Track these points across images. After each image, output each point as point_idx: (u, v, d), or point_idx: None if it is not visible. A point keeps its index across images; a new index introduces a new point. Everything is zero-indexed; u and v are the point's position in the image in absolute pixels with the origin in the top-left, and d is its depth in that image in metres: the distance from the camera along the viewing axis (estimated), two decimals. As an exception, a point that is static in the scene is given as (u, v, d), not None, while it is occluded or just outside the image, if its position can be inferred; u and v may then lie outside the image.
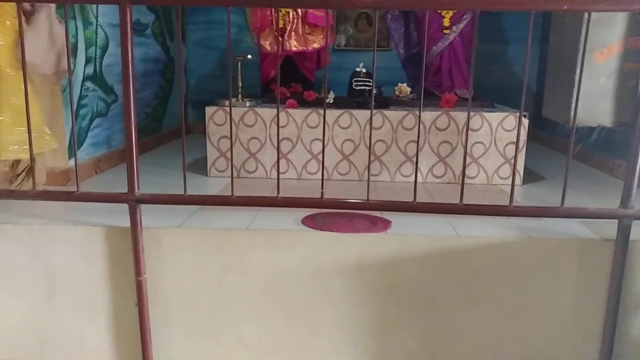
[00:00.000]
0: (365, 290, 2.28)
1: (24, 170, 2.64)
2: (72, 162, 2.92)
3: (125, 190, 2.14)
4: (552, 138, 4.35)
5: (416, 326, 2.31)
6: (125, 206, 2.14)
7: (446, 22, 3.65)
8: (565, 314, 2.27)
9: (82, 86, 3.14)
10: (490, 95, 3.92)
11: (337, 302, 2.29)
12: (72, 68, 2.93)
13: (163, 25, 4.42)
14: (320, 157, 3.22)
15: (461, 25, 3.67)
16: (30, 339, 2.39)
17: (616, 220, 2.10)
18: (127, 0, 1.96)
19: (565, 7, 1.96)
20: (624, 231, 2.09)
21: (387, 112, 3.30)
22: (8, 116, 2.44)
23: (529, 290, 2.26)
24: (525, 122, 3.18)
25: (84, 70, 3.16)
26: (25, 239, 2.30)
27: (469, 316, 2.29)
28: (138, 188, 2.14)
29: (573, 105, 2.02)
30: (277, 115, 2.17)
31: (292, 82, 3.84)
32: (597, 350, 2.24)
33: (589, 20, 1.93)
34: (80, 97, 3.13)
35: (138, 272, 2.19)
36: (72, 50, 2.99)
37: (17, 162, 2.61)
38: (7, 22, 2.43)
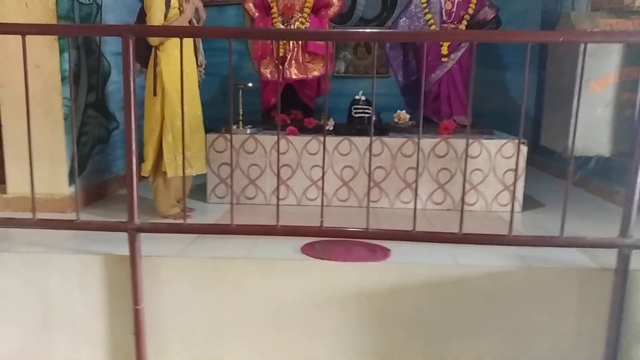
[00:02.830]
0: (364, 319, 2.26)
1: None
2: (72, 189, 2.93)
3: (125, 219, 2.15)
4: (550, 163, 4.37)
5: (416, 355, 2.29)
6: (125, 234, 2.14)
7: (444, 50, 3.70)
8: (566, 343, 2.25)
9: (84, 114, 3.17)
10: (488, 121, 3.94)
11: (336, 331, 2.28)
12: (74, 96, 2.96)
13: (165, 52, 4.47)
14: (320, 183, 3.23)
15: (459, 54, 3.71)
16: (25, 369, 2.36)
17: (616, 249, 2.10)
18: (129, 32, 2.00)
19: (562, 39, 2.00)
20: (623, 260, 2.09)
21: (386, 139, 3.32)
22: (171, 137, 2.75)
23: (529, 319, 2.24)
24: (524, 149, 3.20)
25: (86, 97, 3.19)
26: (22, 268, 2.29)
27: (469, 345, 2.27)
28: (138, 217, 2.14)
29: (571, 134, 2.03)
30: (278, 142, 2.18)
31: (293, 109, 3.86)
32: (599, 381, 2.22)
33: (585, 52, 1.96)
34: (82, 125, 3.16)
35: (136, 300, 2.18)
36: (75, 79, 3.03)
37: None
38: (175, 51, 2.65)
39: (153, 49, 2.76)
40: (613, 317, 2.13)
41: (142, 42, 2.68)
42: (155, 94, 2.76)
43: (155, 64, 2.74)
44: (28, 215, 2.23)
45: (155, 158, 2.82)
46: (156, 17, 2.70)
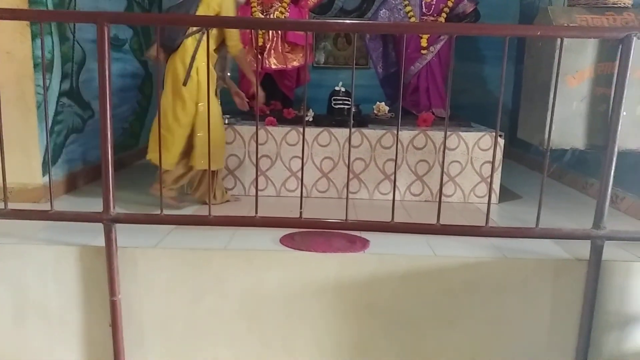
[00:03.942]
0: (343, 310, 2.27)
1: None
2: (45, 179, 2.87)
3: (100, 209, 2.11)
4: (527, 156, 4.43)
5: (393, 345, 2.31)
6: (100, 225, 2.10)
7: (424, 43, 3.71)
8: (540, 332, 2.29)
9: (57, 102, 3.09)
10: (466, 113, 3.98)
11: (314, 322, 2.28)
12: (47, 84, 2.89)
13: (141, 40, 4.40)
14: (299, 174, 3.22)
15: (438, 46, 3.74)
16: (-2, 362, 2.32)
17: (589, 241, 2.15)
18: (104, 19, 1.95)
19: (539, 33, 2.02)
20: (596, 251, 2.14)
21: (365, 131, 3.32)
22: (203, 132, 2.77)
23: (505, 309, 2.28)
24: (501, 142, 3.24)
25: (60, 85, 3.12)
26: (-5, 259, 2.24)
27: (446, 335, 2.30)
28: (113, 207, 2.11)
29: (547, 128, 2.06)
30: (257, 132, 2.17)
31: (272, 99, 3.83)
32: (571, 369, 2.27)
33: (561, 46, 1.98)
34: (56, 113, 3.09)
35: (112, 292, 2.15)
36: (48, 66, 2.95)
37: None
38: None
39: (195, 45, 2.78)
40: (586, 306, 2.19)
41: (174, 32, 2.77)
42: (185, 84, 2.78)
43: (193, 58, 2.76)
44: (0, 205, 2.18)
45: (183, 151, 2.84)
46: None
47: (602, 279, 2.18)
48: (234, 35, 2.89)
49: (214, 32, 2.82)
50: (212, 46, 2.83)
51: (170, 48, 2.82)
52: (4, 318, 2.27)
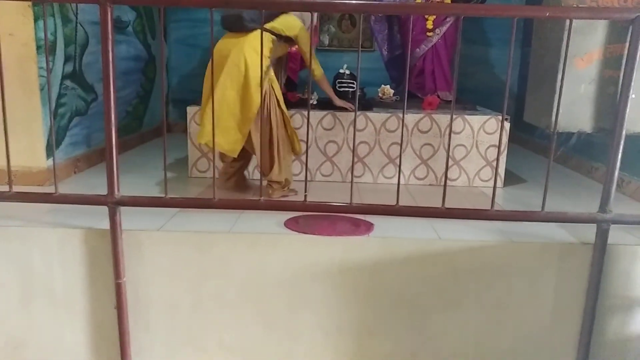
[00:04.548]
0: (347, 293, 2.28)
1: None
2: (50, 162, 2.87)
3: (105, 192, 2.11)
4: (532, 140, 4.41)
5: (397, 328, 2.32)
6: (105, 207, 2.10)
7: (429, 25, 3.66)
8: (545, 315, 2.30)
9: (61, 85, 3.08)
10: (472, 97, 3.95)
11: (319, 305, 2.29)
12: (50, 66, 2.87)
13: (144, 22, 4.36)
14: (303, 158, 3.21)
15: (444, 28, 3.68)
16: (5, 343, 2.34)
17: (595, 224, 2.14)
18: (107, 1, 1.93)
19: (548, 14, 1.99)
20: (602, 235, 2.13)
21: (370, 114, 3.30)
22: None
23: (510, 292, 2.28)
24: (507, 125, 3.21)
25: (63, 68, 3.10)
26: (1, 241, 2.25)
27: (450, 318, 2.31)
28: (118, 190, 2.11)
29: (554, 111, 2.03)
30: (261, 116, 2.15)
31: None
32: (574, 351, 2.28)
33: (570, 28, 1.95)
34: (59, 96, 3.07)
35: (117, 275, 2.16)
36: (51, 48, 2.93)
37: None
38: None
39: (272, 42, 2.71)
40: (591, 290, 2.19)
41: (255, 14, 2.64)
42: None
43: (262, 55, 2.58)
44: (4, 188, 2.18)
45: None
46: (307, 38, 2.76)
47: (607, 262, 2.18)
48: (316, 63, 2.88)
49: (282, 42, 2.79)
50: (279, 53, 2.79)
51: (239, 27, 2.65)
52: (10, 300, 2.29)
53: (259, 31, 2.41)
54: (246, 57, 2.60)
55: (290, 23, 2.74)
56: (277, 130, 2.69)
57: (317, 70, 2.90)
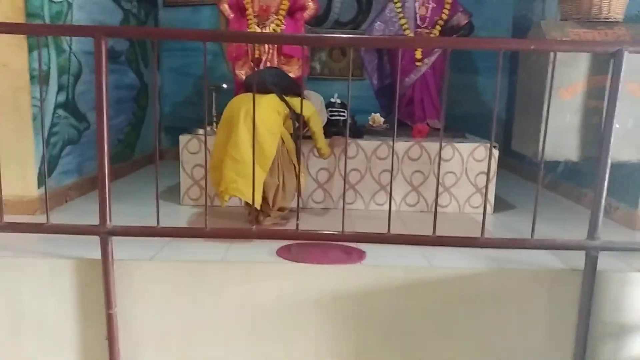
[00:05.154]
0: (340, 321, 2.28)
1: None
2: (41, 191, 2.86)
3: (96, 221, 2.11)
4: (521, 166, 4.46)
5: (390, 355, 2.31)
6: (96, 237, 2.10)
7: (418, 55, 3.74)
8: (537, 342, 2.30)
9: (53, 114, 3.10)
10: (460, 124, 4.01)
11: (312, 334, 2.28)
12: (44, 96, 2.89)
13: (137, 52, 4.41)
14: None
15: (433, 58, 3.77)
16: (-7, 376, 2.30)
17: (584, 251, 2.16)
18: (101, 33, 1.97)
19: (533, 47, 2.05)
20: (591, 262, 2.16)
21: (361, 142, 3.34)
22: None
23: (501, 319, 2.29)
24: (496, 153, 3.26)
25: (56, 97, 3.12)
26: (-9, 272, 2.23)
27: (443, 346, 2.31)
28: (110, 220, 2.11)
29: (541, 140, 2.08)
30: (253, 145, 2.18)
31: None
32: (567, 380, 2.28)
33: (554, 60, 2.01)
34: (52, 125, 3.09)
35: (109, 305, 2.14)
36: (45, 78, 2.96)
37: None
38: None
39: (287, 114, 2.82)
40: (581, 316, 2.20)
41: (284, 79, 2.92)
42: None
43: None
44: (-4, 218, 2.17)
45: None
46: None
47: (597, 289, 2.20)
48: (324, 142, 3.01)
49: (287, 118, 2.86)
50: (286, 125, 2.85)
51: (259, 89, 2.55)
52: (0, 331, 2.26)
53: (274, 94, 2.74)
54: (263, 111, 2.63)
55: (305, 103, 2.80)
56: (287, 175, 2.82)
57: (324, 149, 3.05)
